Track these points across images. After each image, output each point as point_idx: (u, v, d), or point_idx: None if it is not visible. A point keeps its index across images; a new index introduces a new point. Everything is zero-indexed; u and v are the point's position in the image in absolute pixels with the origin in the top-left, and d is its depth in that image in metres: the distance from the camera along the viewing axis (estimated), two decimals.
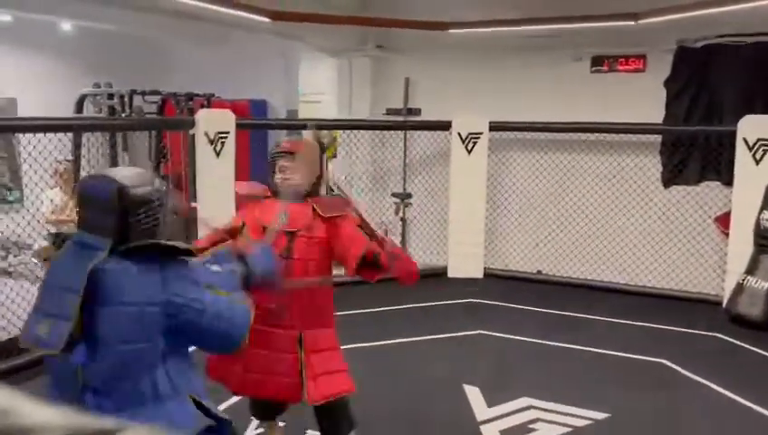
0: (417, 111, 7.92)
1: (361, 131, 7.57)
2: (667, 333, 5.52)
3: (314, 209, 2.91)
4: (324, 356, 2.88)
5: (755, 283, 5.66)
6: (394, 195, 7.55)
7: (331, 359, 2.91)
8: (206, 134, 5.97)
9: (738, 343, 5.30)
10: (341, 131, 7.86)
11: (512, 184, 7.39)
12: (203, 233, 3.53)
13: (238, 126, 6.25)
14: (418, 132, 7.59)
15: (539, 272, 7.30)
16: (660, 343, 5.21)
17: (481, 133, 7.04)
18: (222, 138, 6.03)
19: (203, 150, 5.99)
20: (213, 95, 7.86)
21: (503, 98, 7.17)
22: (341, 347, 3.04)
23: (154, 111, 7.57)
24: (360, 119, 7.70)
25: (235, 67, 8.25)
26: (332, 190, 4.39)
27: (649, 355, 4.93)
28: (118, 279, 1.81)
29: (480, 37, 6.96)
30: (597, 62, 7.01)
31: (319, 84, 8.37)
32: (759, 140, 5.79)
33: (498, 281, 7.06)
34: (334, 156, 8.73)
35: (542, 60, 7.07)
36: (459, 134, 7.08)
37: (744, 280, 5.76)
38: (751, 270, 5.75)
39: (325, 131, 3.23)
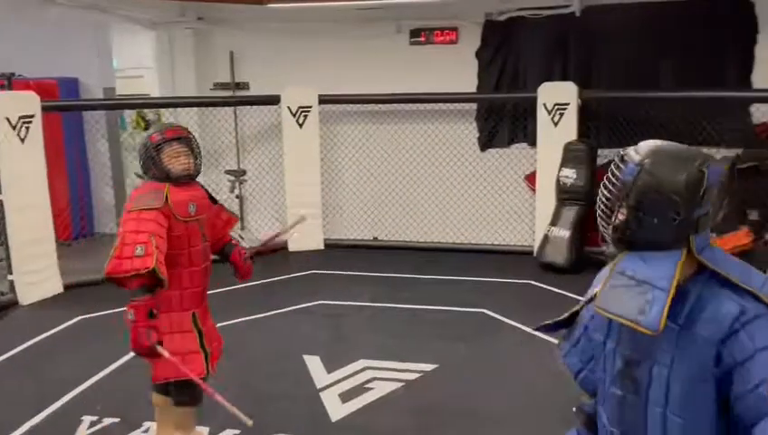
0: (246, 86, 7.81)
1: (188, 108, 7.32)
2: (487, 284, 6.09)
3: (207, 192, 3.14)
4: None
5: (558, 232, 6.41)
6: (228, 172, 7.45)
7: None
8: (8, 119, 5.46)
9: (547, 287, 5.97)
10: (165, 109, 7.55)
11: (345, 155, 7.59)
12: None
13: (45, 108, 5.78)
14: (248, 107, 7.50)
15: (375, 239, 7.64)
16: (481, 295, 5.74)
17: (311, 107, 7.13)
18: (26, 122, 5.55)
19: (5, 137, 5.47)
20: (14, 74, 7.13)
21: (331, 70, 7.29)
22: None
23: None
24: (185, 96, 7.44)
25: (40, 42, 7.53)
26: None
27: (472, 307, 5.42)
28: None
29: (303, 9, 6.99)
30: (415, 33, 7.36)
31: (137, 59, 7.91)
32: (556, 104, 6.48)
33: (338, 251, 7.29)
34: None
35: (366, 32, 7.27)
36: (289, 108, 7.12)
37: (549, 231, 6.49)
38: (554, 222, 6.49)
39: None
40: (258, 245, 3.68)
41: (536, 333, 1.78)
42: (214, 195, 3.29)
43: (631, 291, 1.32)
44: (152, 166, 2.93)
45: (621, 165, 1.38)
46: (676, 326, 1.34)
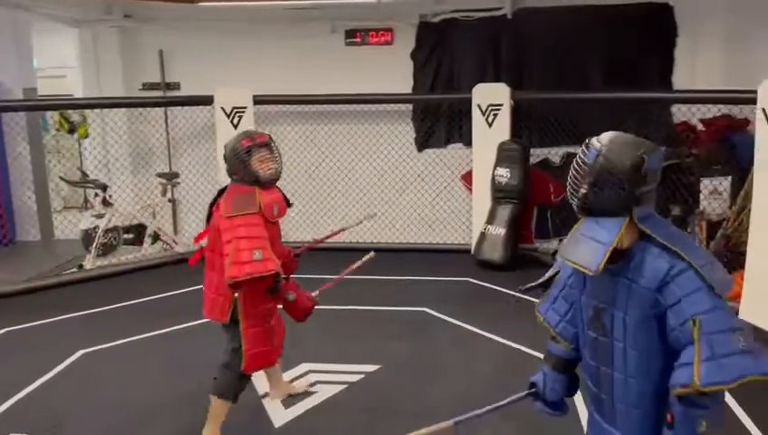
0: (177, 86, 7.60)
1: (115, 109, 7.06)
2: (427, 283, 6.15)
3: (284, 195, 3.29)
4: None
5: (494, 230, 6.54)
6: (159, 175, 7.21)
7: None
8: None
9: (485, 284, 6.08)
10: (92, 110, 7.26)
11: (282, 156, 7.46)
12: None
13: None
14: (180, 108, 7.30)
15: (314, 240, 7.55)
16: (421, 294, 5.79)
17: (245, 107, 7.01)
18: None
19: None
20: None
21: (266, 70, 7.19)
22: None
23: None
24: (112, 97, 7.17)
25: None
26: None
27: (413, 306, 5.47)
28: None
29: (235, 8, 6.86)
30: (351, 34, 7.35)
31: (60, 59, 7.57)
32: (490, 105, 6.61)
33: None
34: (86, 137, 8.05)
35: (300, 32, 7.22)
36: (223, 109, 6.97)
37: (485, 229, 6.62)
38: (490, 220, 6.63)
39: None
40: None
41: (522, 295, 2.39)
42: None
43: (584, 244, 1.74)
44: (241, 169, 3.14)
45: (586, 150, 1.76)
46: (626, 280, 1.75)
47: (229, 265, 2.92)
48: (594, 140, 1.78)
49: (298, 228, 7.58)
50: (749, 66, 5.92)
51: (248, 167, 3.12)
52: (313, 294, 3.38)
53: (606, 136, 1.78)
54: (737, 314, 5.05)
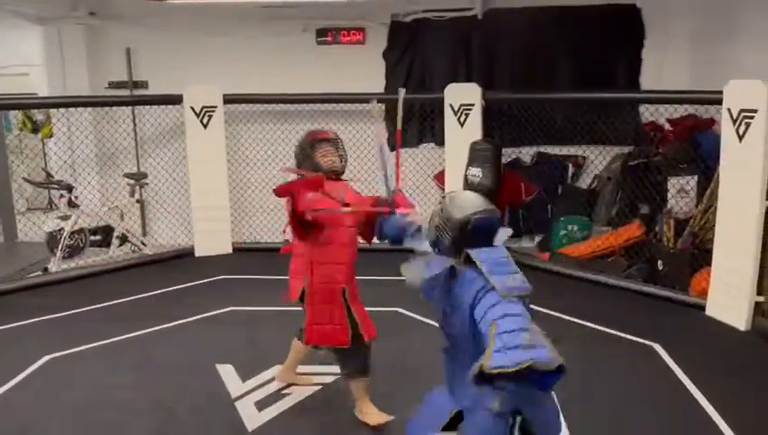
0: (145, 84, 7.47)
1: (81, 108, 6.90)
2: (399, 283, 6.07)
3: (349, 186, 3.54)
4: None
5: None
6: (127, 176, 7.07)
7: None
8: None
9: None
10: (57, 109, 7.08)
11: (254, 156, 7.41)
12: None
13: None
14: (148, 107, 7.17)
15: (287, 241, 7.48)
16: (394, 294, 5.69)
17: (215, 106, 6.91)
18: None
19: None
20: None
21: (237, 69, 7.11)
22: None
23: None
24: (77, 95, 7.00)
25: None
26: None
27: (385, 306, 5.44)
28: None
29: (204, 6, 6.76)
30: (322, 33, 7.31)
31: (23, 56, 7.38)
32: (462, 105, 6.63)
33: (247, 254, 7.11)
34: (50, 136, 7.86)
35: (271, 30, 7.15)
36: (192, 108, 6.86)
37: None
38: None
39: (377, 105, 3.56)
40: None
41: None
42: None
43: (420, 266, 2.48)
44: (305, 161, 3.49)
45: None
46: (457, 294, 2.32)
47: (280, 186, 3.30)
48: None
49: (269, 230, 7.51)
50: (715, 67, 6.05)
51: (312, 159, 3.46)
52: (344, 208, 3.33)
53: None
54: (704, 309, 5.17)
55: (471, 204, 2.42)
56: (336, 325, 3.48)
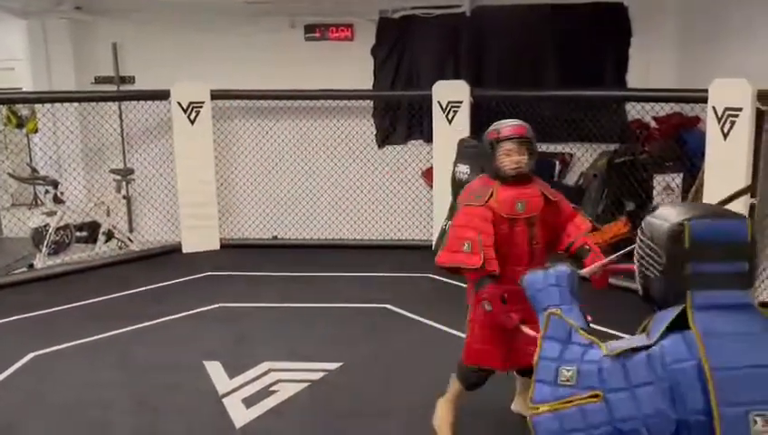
0: (131, 80, 7.41)
1: (66, 103, 6.83)
2: (388, 279, 6.15)
3: (541, 192, 3.07)
4: None
5: None
6: (113, 171, 7.02)
7: None
8: None
9: (446, 280, 6.11)
10: (42, 104, 7.01)
11: (241, 152, 7.38)
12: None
13: None
14: (135, 102, 7.12)
15: (275, 237, 7.50)
16: (383, 290, 5.79)
17: (203, 102, 6.87)
18: None
19: None
20: None
21: (224, 65, 7.06)
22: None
23: None
24: (63, 91, 6.95)
25: None
26: None
27: (374, 302, 5.46)
28: None
29: (192, 1, 6.72)
30: (310, 29, 7.28)
31: (7, 51, 7.30)
32: (450, 102, 6.64)
33: (235, 251, 7.09)
34: (35, 131, 7.78)
35: (259, 26, 7.11)
36: (180, 104, 6.82)
37: (446, 225, 6.62)
38: (451, 216, 6.65)
39: None
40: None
41: None
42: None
43: None
44: (488, 162, 3.05)
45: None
46: None
47: (442, 248, 2.99)
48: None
49: (257, 226, 7.49)
50: (700, 66, 6.11)
51: (493, 160, 3.01)
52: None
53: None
54: None
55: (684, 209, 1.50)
56: (495, 348, 3.15)
